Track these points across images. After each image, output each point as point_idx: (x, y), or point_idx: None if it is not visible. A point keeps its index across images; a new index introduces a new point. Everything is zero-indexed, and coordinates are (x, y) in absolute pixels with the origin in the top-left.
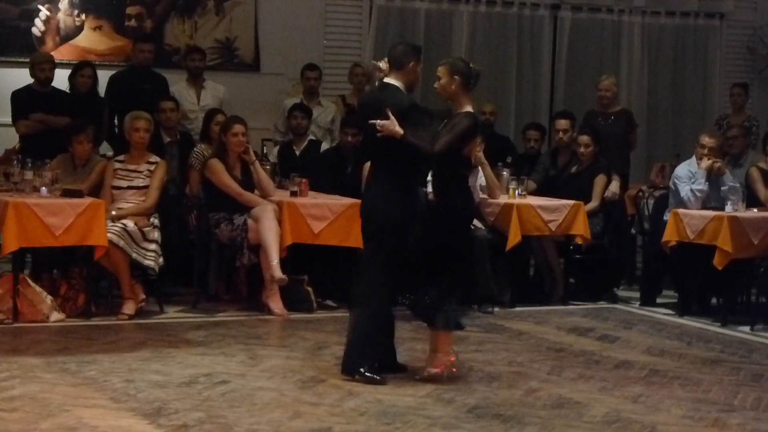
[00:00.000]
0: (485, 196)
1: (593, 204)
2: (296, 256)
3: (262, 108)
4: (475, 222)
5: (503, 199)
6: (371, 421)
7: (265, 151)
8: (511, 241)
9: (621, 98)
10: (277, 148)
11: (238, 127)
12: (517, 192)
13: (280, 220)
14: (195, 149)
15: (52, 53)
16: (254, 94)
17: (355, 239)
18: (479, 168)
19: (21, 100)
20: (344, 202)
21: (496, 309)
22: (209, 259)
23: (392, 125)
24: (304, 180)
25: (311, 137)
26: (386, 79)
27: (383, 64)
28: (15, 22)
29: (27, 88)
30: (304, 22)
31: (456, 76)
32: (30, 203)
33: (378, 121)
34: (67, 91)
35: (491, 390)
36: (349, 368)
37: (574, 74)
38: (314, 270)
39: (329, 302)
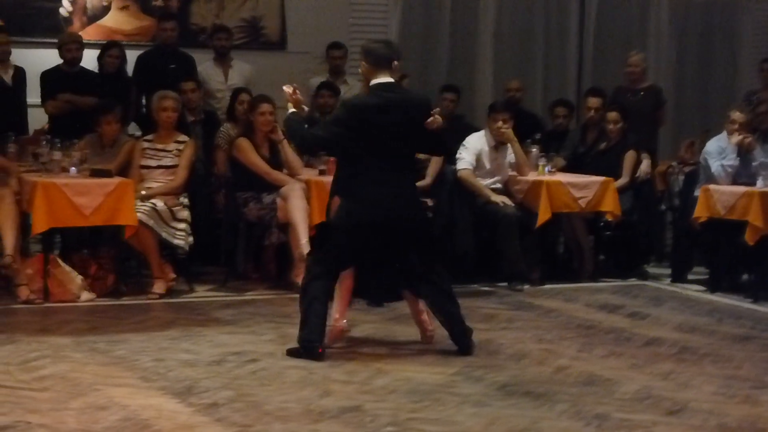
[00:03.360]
0: (514, 173)
1: (623, 180)
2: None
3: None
4: (504, 199)
5: (532, 176)
6: (401, 398)
7: None
8: (541, 218)
9: (649, 74)
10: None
11: (265, 107)
12: (546, 169)
13: (309, 198)
14: (221, 129)
15: (79, 34)
16: (280, 73)
17: None
18: (508, 145)
19: (50, 80)
20: None
21: (526, 286)
22: (238, 238)
23: (440, 119)
24: (331, 158)
25: None
26: (381, 80)
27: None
28: (40, 2)
29: (56, 69)
30: (330, 0)
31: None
32: (59, 183)
33: (435, 116)
34: (96, 71)
35: (521, 367)
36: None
37: (602, 50)
38: None
39: None
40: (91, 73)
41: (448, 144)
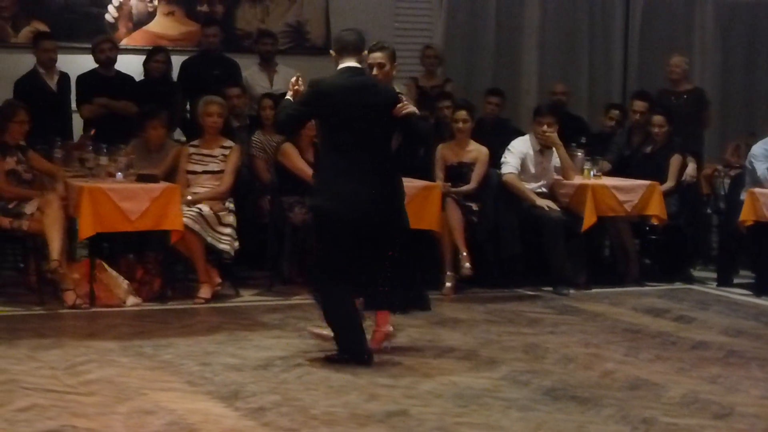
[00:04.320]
0: (559, 177)
1: (669, 184)
2: None
3: None
4: (549, 203)
5: (578, 180)
6: (447, 403)
7: None
8: (587, 222)
9: (694, 76)
10: None
11: None
12: (591, 173)
13: None
14: (253, 138)
15: (125, 39)
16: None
17: (428, 222)
18: (553, 149)
19: (85, 84)
20: (417, 185)
21: (572, 291)
22: (283, 242)
23: (410, 104)
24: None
25: None
26: (348, 64)
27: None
28: (86, 8)
29: (92, 72)
30: (374, 4)
31: (395, 62)
32: (105, 188)
33: (405, 103)
34: (142, 76)
35: (567, 372)
36: None
37: (647, 53)
38: None
39: None
40: (127, 77)
41: (422, 131)
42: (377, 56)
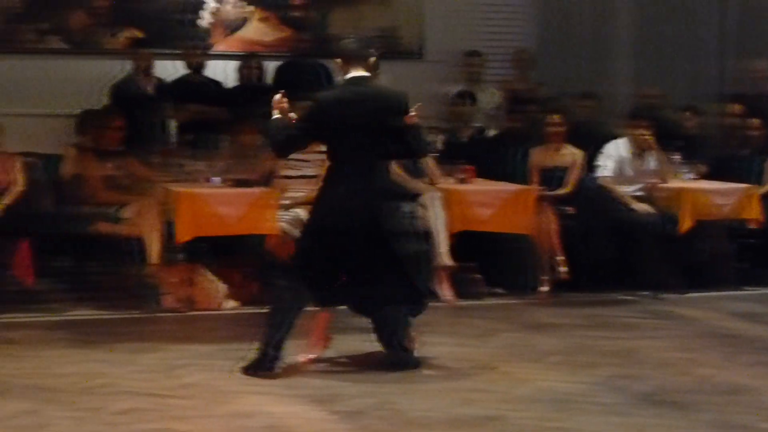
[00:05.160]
0: (655, 180)
1: (767, 188)
2: (464, 242)
3: (426, 96)
4: (645, 207)
5: (674, 183)
6: (544, 408)
7: (430, 139)
8: (683, 225)
9: None
10: (443, 135)
11: None
12: (687, 176)
13: (447, 207)
14: None
15: (220, 45)
16: (418, 82)
17: (523, 226)
18: (649, 152)
19: (176, 89)
20: (511, 189)
21: (668, 295)
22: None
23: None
24: (470, 167)
25: (476, 124)
26: (354, 74)
27: None
28: (181, 14)
29: (182, 78)
30: (467, 8)
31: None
32: (202, 193)
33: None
34: (236, 82)
35: (664, 377)
36: None
37: (743, 55)
38: (482, 257)
39: (497, 289)
40: (217, 82)
41: (422, 142)
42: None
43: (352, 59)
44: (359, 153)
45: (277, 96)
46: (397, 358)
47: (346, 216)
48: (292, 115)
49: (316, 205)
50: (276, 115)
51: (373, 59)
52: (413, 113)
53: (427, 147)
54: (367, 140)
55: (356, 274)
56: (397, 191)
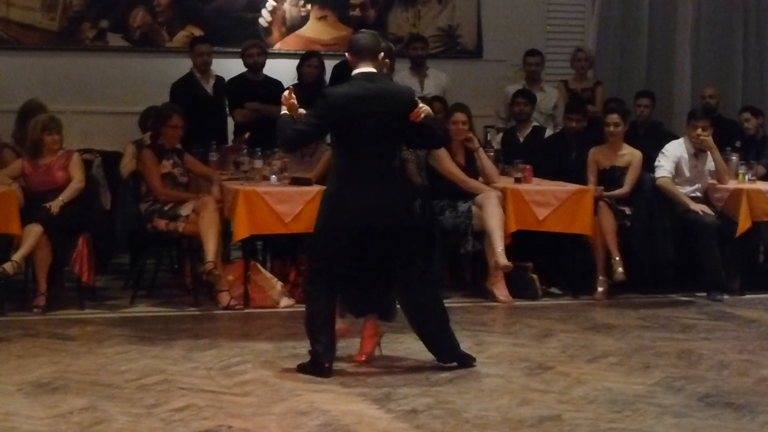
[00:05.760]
0: (714, 181)
1: None
2: (521, 242)
3: (485, 95)
4: (704, 208)
5: (732, 184)
6: (601, 409)
7: (488, 138)
8: (741, 227)
9: None
10: (501, 134)
11: (458, 116)
12: (746, 177)
13: (505, 206)
14: None
15: (278, 43)
16: (477, 81)
17: (580, 226)
18: (708, 153)
19: (234, 88)
20: (569, 189)
21: (726, 296)
22: (433, 245)
23: (425, 106)
24: (528, 166)
25: (535, 123)
26: (364, 69)
27: None
28: (240, 12)
29: (240, 77)
30: (526, 7)
31: (387, 59)
32: (260, 191)
33: (422, 106)
34: (295, 80)
35: (722, 378)
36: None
37: None
38: (539, 257)
39: (554, 289)
40: (276, 81)
41: (437, 134)
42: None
43: (361, 54)
44: (368, 149)
45: (285, 92)
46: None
47: (360, 215)
48: (302, 111)
49: (326, 204)
50: (284, 110)
51: (382, 55)
52: (420, 109)
53: (438, 141)
54: (378, 136)
55: (375, 277)
56: (414, 189)
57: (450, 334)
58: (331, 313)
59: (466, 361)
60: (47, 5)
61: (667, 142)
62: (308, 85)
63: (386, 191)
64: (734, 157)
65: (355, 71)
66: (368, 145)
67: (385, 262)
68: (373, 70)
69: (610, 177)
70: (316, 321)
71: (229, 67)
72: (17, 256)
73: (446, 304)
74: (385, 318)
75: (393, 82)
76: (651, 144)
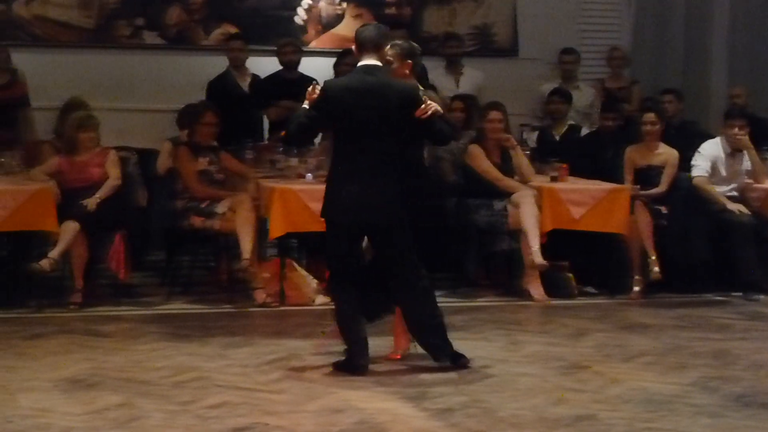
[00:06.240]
0: (750, 180)
1: None
2: (556, 241)
3: (521, 93)
4: (740, 207)
5: None
6: (636, 408)
7: (524, 137)
8: None
9: None
10: (536, 133)
11: (494, 114)
12: None
13: (540, 205)
14: None
15: (314, 42)
16: (512, 80)
17: (616, 225)
18: (744, 152)
19: (269, 86)
20: (605, 187)
21: (761, 296)
22: (468, 244)
23: (434, 104)
24: (563, 165)
25: (570, 122)
26: (367, 61)
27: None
28: (276, 10)
29: (275, 75)
30: (561, 6)
31: (409, 60)
32: (295, 189)
33: (430, 103)
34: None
35: (758, 378)
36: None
37: None
38: (574, 256)
39: (590, 289)
40: (310, 79)
41: (445, 131)
42: (386, 52)
43: (364, 46)
44: (364, 143)
45: (310, 87)
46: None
47: (350, 211)
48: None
49: (324, 200)
50: (305, 105)
51: (388, 49)
52: (428, 106)
53: (449, 139)
54: (375, 131)
55: (380, 275)
56: (448, 187)
57: (442, 331)
58: (355, 311)
59: (458, 361)
60: (83, 3)
61: (699, 141)
62: None
63: (378, 187)
64: None
65: (359, 64)
66: (364, 139)
67: (378, 260)
68: (377, 63)
69: (646, 176)
70: (342, 320)
71: (265, 65)
72: (54, 253)
73: (481, 303)
74: (369, 318)
75: (393, 78)
76: (682, 143)
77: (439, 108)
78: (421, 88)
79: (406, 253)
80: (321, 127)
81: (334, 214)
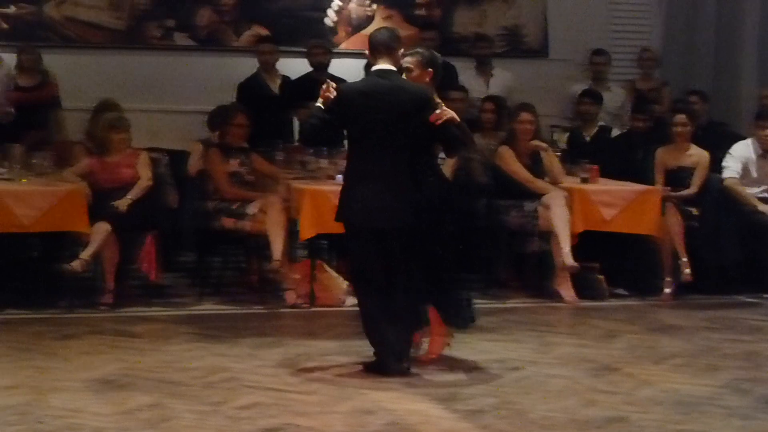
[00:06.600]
0: None
1: None
2: (587, 243)
3: (551, 94)
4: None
5: None
6: (667, 410)
7: (554, 138)
8: None
9: None
10: (567, 134)
11: (524, 115)
12: None
13: (571, 207)
14: None
15: (344, 43)
16: (542, 81)
17: (647, 226)
18: None
19: (298, 88)
20: (636, 189)
21: None
22: (499, 245)
23: (449, 110)
24: (594, 166)
25: (601, 123)
26: (380, 66)
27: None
28: (306, 12)
29: (305, 76)
30: (592, 6)
31: (429, 69)
32: (326, 191)
33: (445, 110)
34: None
35: None
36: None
37: None
38: (605, 257)
39: (620, 290)
40: (341, 80)
41: (460, 139)
42: (406, 60)
43: (377, 50)
44: (377, 147)
45: (325, 85)
46: None
47: (362, 215)
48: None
49: (341, 205)
50: (319, 103)
51: (409, 57)
52: (442, 112)
53: (462, 146)
54: (388, 134)
55: (398, 280)
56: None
57: (409, 338)
58: (378, 312)
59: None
60: (114, 4)
61: (726, 142)
62: None
63: (390, 192)
64: None
65: (373, 68)
66: (377, 143)
67: (397, 267)
68: (391, 67)
69: (677, 177)
70: (366, 323)
71: (296, 67)
72: (85, 254)
73: (512, 305)
74: (418, 326)
75: (407, 81)
76: (709, 144)
77: (455, 115)
78: (437, 97)
79: (413, 263)
80: (333, 129)
81: (347, 217)
